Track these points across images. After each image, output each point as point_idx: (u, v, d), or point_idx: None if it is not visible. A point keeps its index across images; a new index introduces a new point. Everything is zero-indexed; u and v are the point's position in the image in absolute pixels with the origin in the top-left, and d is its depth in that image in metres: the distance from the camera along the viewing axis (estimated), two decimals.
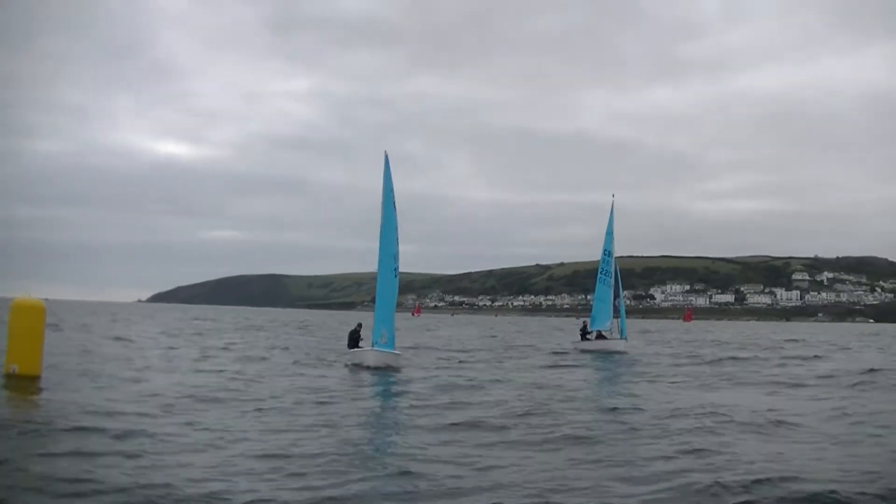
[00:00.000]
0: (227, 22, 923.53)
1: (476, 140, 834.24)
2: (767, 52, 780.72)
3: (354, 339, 41.13)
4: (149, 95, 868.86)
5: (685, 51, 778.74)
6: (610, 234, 58.78)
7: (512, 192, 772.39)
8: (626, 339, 56.40)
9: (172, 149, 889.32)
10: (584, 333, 58.96)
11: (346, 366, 37.83)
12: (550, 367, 40.53)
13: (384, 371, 34.99)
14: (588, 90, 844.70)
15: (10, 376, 23.08)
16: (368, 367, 36.20)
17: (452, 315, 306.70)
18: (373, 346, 37.74)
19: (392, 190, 38.64)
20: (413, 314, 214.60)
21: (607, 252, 58.84)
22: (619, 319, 57.50)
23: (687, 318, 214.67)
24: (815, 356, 50.08)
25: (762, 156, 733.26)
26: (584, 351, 54.96)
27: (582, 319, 62.48)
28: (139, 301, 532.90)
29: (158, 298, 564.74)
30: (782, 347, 62.13)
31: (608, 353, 52.06)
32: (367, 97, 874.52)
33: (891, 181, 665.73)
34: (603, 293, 58.63)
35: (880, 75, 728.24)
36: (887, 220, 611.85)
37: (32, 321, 23.67)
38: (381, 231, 38.67)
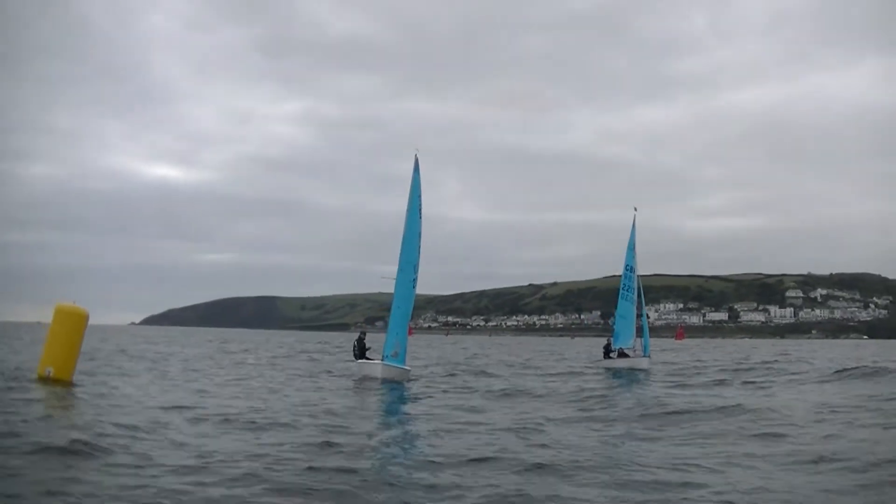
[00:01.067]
0: (219, 45, 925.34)
1: (467, 160, 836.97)
2: (756, 68, 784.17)
3: (362, 350, 40.05)
4: (141, 119, 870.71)
5: (674, 68, 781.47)
6: (632, 248, 57.62)
7: (503, 211, 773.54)
8: (649, 356, 55.13)
9: (165, 172, 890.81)
10: (608, 351, 57.59)
11: (354, 380, 36.73)
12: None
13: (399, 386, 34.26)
14: (577, 109, 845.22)
15: (44, 378, 23.00)
16: (377, 379, 35.54)
17: (447, 335, 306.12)
18: (383, 359, 36.99)
19: (419, 196, 37.53)
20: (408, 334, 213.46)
21: (629, 268, 57.50)
22: (641, 337, 56.49)
23: (679, 337, 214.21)
24: None
25: (753, 172, 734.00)
26: (607, 369, 53.54)
27: (608, 338, 59.93)
28: (132, 324, 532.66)
29: (151, 321, 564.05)
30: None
31: (631, 371, 50.52)
32: (358, 119, 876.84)
33: (882, 196, 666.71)
34: (625, 310, 57.27)
35: (869, 90, 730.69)
36: (879, 236, 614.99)
37: (73, 327, 23.76)
38: (403, 238, 37.58)
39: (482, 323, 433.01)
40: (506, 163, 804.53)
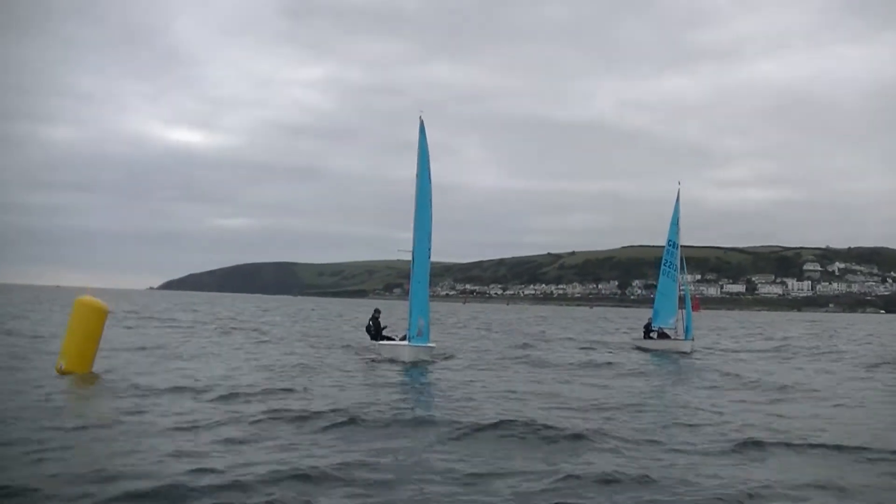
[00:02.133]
0: (241, 9, 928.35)
1: (488, 128, 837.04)
2: (779, 40, 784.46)
3: (377, 329, 37.85)
4: (163, 82, 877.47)
5: (697, 39, 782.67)
6: (675, 223, 54.48)
7: (523, 180, 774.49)
8: (692, 338, 51.01)
9: (185, 136, 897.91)
10: (648, 331, 53.91)
11: (371, 361, 33.25)
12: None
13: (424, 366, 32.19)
14: (600, 78, 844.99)
15: (60, 373, 23.29)
16: (403, 363, 32.46)
17: (464, 303, 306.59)
18: (409, 339, 34.36)
19: (428, 159, 35.54)
20: None
21: (672, 243, 54.31)
22: (684, 315, 52.62)
23: (695, 308, 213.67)
24: None
25: (774, 145, 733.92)
26: (640, 349, 50.98)
27: (649, 317, 55.57)
28: (150, 288, 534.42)
29: (170, 286, 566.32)
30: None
31: (669, 354, 47.35)
32: (380, 85, 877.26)
33: None
34: (667, 287, 54.37)
35: (892, 64, 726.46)
36: None
37: (91, 323, 23.47)
38: (416, 206, 35.43)
39: (500, 291, 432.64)
40: (527, 131, 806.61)
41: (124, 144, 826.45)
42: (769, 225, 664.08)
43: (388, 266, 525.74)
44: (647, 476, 12.49)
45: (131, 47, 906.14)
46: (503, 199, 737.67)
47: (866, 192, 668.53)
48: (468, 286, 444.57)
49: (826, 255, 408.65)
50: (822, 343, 59.30)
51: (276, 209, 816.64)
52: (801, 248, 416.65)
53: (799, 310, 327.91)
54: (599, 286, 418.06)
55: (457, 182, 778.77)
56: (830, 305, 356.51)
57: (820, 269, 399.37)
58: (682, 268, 53.95)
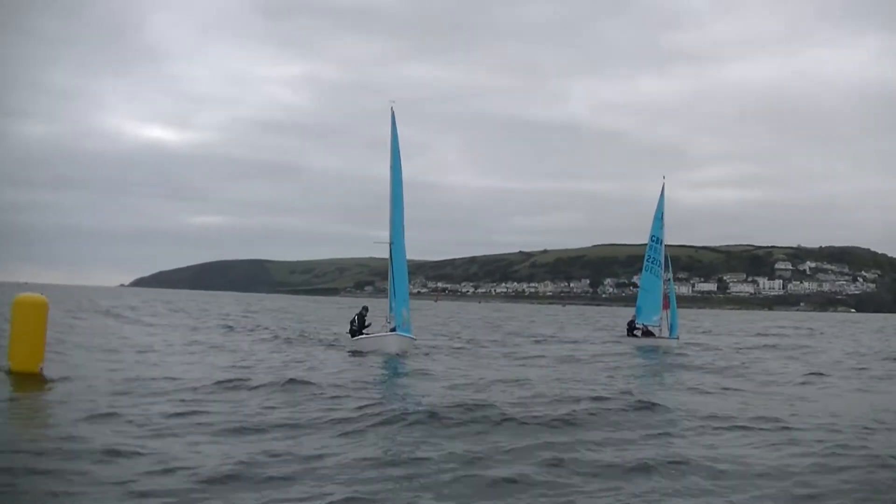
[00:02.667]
0: (219, 7, 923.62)
1: (464, 127, 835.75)
2: (755, 43, 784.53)
3: (361, 325, 37.24)
4: (138, 79, 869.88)
5: (673, 40, 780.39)
6: (659, 219, 53.66)
7: (498, 179, 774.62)
8: (677, 337, 50.41)
9: (160, 133, 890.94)
10: (632, 328, 53.32)
11: (355, 353, 34.03)
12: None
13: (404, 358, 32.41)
14: (576, 79, 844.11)
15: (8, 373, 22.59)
16: (388, 354, 32.71)
17: (436, 301, 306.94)
18: (397, 330, 34.33)
19: (398, 148, 36.15)
20: None
21: (655, 239, 53.43)
22: (668, 314, 51.93)
23: (664, 307, 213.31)
24: None
25: (748, 146, 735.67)
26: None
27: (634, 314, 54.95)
28: (122, 286, 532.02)
29: (141, 283, 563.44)
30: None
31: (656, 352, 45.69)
32: (357, 83, 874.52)
33: (874, 172, 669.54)
34: (649, 283, 53.37)
35: (868, 67, 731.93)
36: (870, 211, 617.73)
37: (34, 317, 22.84)
38: (391, 199, 35.80)
39: (472, 289, 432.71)
40: (503, 131, 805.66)
41: (99, 141, 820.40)
42: (742, 225, 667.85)
43: (359, 264, 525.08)
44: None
45: (107, 44, 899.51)
46: (477, 199, 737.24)
47: (838, 192, 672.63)
48: (440, 284, 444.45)
49: (797, 255, 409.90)
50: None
51: (250, 206, 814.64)
52: (773, 247, 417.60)
53: (770, 308, 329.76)
54: (571, 284, 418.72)
55: (431, 181, 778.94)
56: (801, 304, 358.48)
57: (791, 268, 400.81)
58: (666, 265, 53.20)
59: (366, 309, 38.26)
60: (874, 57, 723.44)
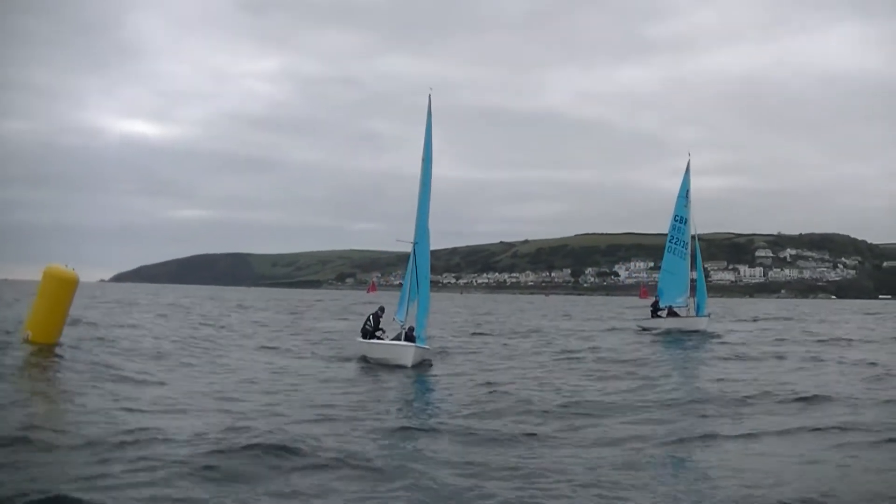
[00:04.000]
0: (199, 1, 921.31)
1: (444, 118, 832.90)
2: (733, 32, 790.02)
3: (376, 327, 33.21)
4: (117, 75, 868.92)
5: (652, 30, 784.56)
6: (683, 196, 51.84)
7: (479, 170, 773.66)
8: (707, 315, 48.66)
9: (140, 128, 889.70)
10: (655, 310, 51.24)
11: (366, 361, 30.73)
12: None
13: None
14: (556, 69, 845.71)
15: (25, 342, 23.02)
16: (404, 366, 28.89)
17: None
18: (416, 340, 29.99)
19: (431, 139, 32.23)
20: (368, 291, 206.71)
21: (679, 218, 51.80)
22: (695, 295, 50.38)
23: (643, 295, 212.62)
24: None
25: (727, 134, 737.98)
26: (645, 330, 48.43)
27: (656, 296, 53.24)
28: (101, 281, 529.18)
29: (121, 278, 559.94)
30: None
31: (686, 333, 44.67)
32: (336, 76, 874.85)
33: (853, 159, 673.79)
34: (673, 264, 51.78)
35: (845, 55, 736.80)
36: (850, 198, 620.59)
37: (58, 293, 23.37)
38: (420, 191, 32.11)
39: (453, 280, 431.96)
40: (483, 122, 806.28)
41: (78, 137, 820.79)
42: (722, 213, 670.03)
43: (341, 256, 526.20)
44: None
45: (86, 40, 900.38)
46: (458, 189, 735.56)
47: (818, 179, 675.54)
48: None
49: (778, 242, 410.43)
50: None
51: (232, 201, 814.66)
52: (754, 234, 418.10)
53: (751, 296, 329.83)
54: (552, 274, 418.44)
55: (413, 173, 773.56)
56: (782, 291, 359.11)
57: (772, 255, 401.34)
58: (694, 246, 51.15)
59: (382, 310, 34.35)
60: (851, 44, 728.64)
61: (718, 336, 43.92)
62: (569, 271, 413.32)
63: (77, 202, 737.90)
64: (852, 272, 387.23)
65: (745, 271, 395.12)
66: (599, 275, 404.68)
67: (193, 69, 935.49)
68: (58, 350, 23.29)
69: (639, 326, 50.85)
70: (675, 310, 50.47)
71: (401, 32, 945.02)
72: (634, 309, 79.58)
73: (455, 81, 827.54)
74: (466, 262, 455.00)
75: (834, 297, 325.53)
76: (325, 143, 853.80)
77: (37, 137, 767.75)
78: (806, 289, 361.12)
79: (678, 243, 51.55)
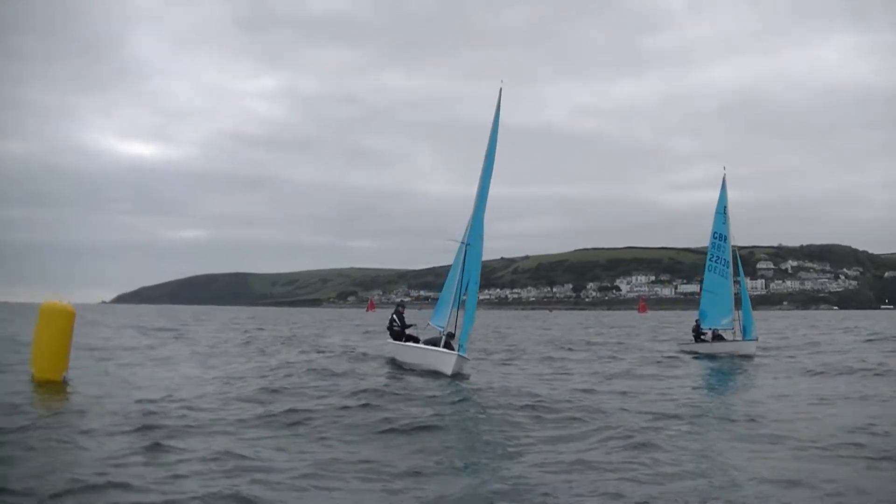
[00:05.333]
0: (197, 20, 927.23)
1: (442, 134, 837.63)
2: (730, 44, 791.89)
3: (404, 326, 32.10)
4: (116, 95, 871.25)
5: (649, 43, 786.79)
6: (722, 212, 48.60)
7: (475, 185, 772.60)
8: (755, 338, 44.73)
9: (139, 148, 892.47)
10: (699, 334, 47.81)
11: (393, 362, 30.10)
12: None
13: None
14: (554, 83, 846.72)
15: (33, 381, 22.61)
16: (443, 374, 27.30)
17: (420, 309, 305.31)
18: (458, 349, 28.21)
19: (497, 134, 30.33)
20: (367, 310, 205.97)
21: (719, 235, 48.61)
22: (741, 315, 46.68)
23: (642, 310, 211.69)
24: None
25: (726, 146, 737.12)
26: (694, 354, 44.73)
27: (696, 318, 49.70)
28: (103, 302, 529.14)
29: (122, 299, 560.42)
30: None
31: (731, 360, 40.97)
32: (334, 94, 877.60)
33: (851, 170, 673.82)
34: (715, 284, 48.37)
35: (840, 67, 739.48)
36: (849, 208, 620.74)
37: (59, 325, 22.71)
38: (479, 190, 30.17)
39: None
40: (481, 137, 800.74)
41: (77, 158, 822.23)
42: None
43: (341, 274, 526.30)
44: None
45: (86, 61, 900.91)
46: (456, 205, 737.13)
47: (817, 190, 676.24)
48: (422, 293, 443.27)
49: (779, 254, 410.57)
50: None
51: (231, 220, 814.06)
52: (754, 246, 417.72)
53: (753, 308, 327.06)
54: (554, 289, 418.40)
55: (410, 189, 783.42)
56: (784, 303, 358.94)
57: (773, 267, 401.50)
58: (736, 263, 48.40)
59: (402, 306, 33.55)
60: (847, 56, 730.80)
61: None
62: (570, 286, 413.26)
63: (76, 222, 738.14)
64: (854, 283, 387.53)
65: (746, 283, 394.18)
66: (601, 289, 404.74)
67: (192, 88, 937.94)
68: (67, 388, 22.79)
69: (684, 350, 47.03)
70: (721, 332, 47.23)
71: (397, 48, 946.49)
72: (652, 323, 77.38)
73: (452, 97, 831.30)
74: None
75: (836, 307, 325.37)
76: (323, 161, 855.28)
77: (35, 158, 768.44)
78: (808, 300, 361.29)
79: (719, 262, 48.61)
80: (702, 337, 47.36)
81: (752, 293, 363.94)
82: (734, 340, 45.47)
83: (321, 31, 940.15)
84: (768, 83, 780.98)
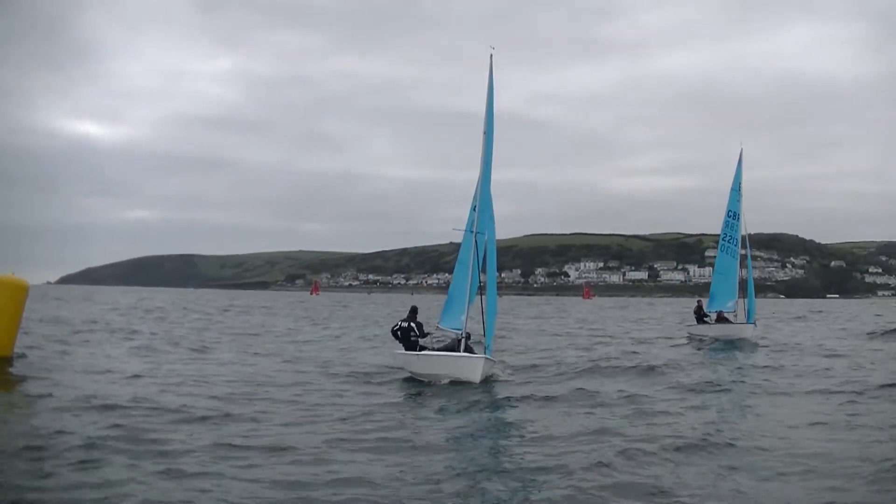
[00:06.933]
0: (153, 1, 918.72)
1: (397, 119, 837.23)
2: (685, 33, 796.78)
3: (421, 334, 26.59)
4: (69, 75, 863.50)
5: (605, 31, 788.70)
6: (736, 190, 47.27)
7: (430, 170, 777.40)
8: (754, 323, 44.28)
9: (91, 129, 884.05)
10: (701, 316, 47.31)
11: (414, 375, 25.80)
12: None
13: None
14: (509, 70, 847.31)
15: None
16: (470, 382, 23.98)
17: (369, 293, 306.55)
18: (486, 350, 25.02)
19: (493, 106, 27.04)
20: (311, 293, 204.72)
21: (732, 214, 47.44)
22: (745, 299, 46.11)
23: (586, 296, 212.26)
24: None
25: (678, 134, 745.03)
26: (696, 337, 44.94)
27: (697, 299, 50.35)
28: (48, 283, 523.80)
29: (67, 280, 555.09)
30: None
31: (731, 342, 41.54)
32: (289, 77, 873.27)
33: (801, 159, 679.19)
34: (726, 265, 47.50)
35: (796, 57, 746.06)
36: (798, 198, 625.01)
37: (11, 298, 22.18)
38: (482, 169, 26.99)
39: (403, 281, 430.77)
40: (436, 122, 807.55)
41: (29, 137, 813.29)
42: (672, 213, 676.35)
43: (290, 257, 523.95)
44: None
45: (38, 40, 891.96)
46: (409, 190, 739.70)
47: (766, 179, 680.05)
48: (371, 276, 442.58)
49: None
50: None
51: (182, 201, 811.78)
52: (703, 234, 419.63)
53: (701, 295, 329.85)
54: (503, 275, 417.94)
55: (364, 172, 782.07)
56: None
57: None
58: (744, 243, 47.00)
59: (415, 311, 27.70)
60: (803, 46, 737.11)
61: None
62: (519, 271, 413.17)
63: (25, 203, 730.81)
64: (801, 271, 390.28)
65: (694, 271, 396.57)
66: (549, 275, 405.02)
67: (145, 69, 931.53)
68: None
69: (689, 334, 47.16)
70: (726, 315, 46.56)
71: (352, 33, 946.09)
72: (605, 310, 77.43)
73: (406, 82, 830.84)
74: (416, 263, 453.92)
75: (783, 296, 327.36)
76: (277, 144, 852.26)
77: None
78: (755, 288, 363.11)
79: (731, 241, 47.35)
80: (705, 319, 46.94)
81: (700, 281, 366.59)
82: (737, 323, 45.21)
83: (278, 14, 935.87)
84: (725, 72, 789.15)
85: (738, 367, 29.79)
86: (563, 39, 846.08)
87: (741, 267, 47.39)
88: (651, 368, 28.34)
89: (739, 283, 47.47)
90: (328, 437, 15.74)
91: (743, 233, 47.73)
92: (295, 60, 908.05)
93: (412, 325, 26.85)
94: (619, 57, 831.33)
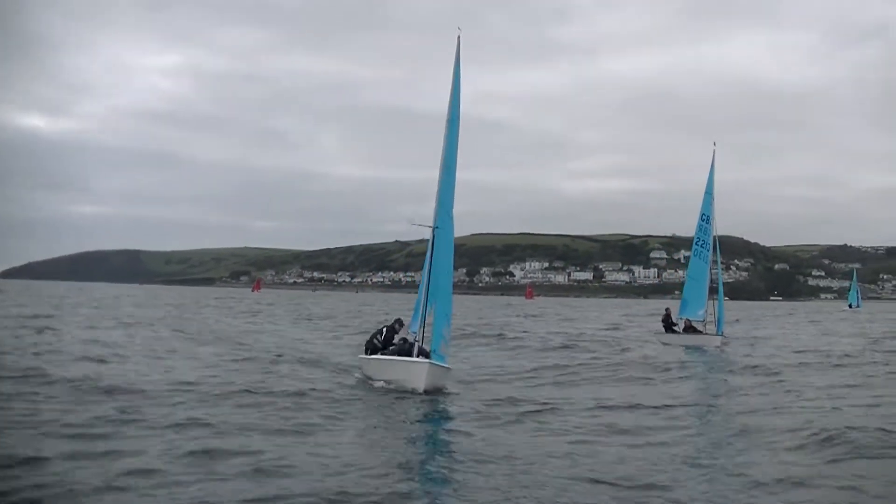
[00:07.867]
0: None
1: (348, 118, 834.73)
2: (638, 37, 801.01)
3: (386, 344, 25.84)
4: (15, 67, 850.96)
5: (557, 33, 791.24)
6: (709, 192, 45.98)
7: (379, 169, 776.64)
8: (723, 333, 43.28)
9: (37, 121, 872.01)
10: (669, 324, 46.05)
11: (366, 380, 24.99)
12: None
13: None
14: (462, 70, 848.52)
15: None
16: (414, 391, 22.57)
17: (314, 290, 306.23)
18: (431, 355, 23.49)
19: (459, 93, 25.59)
20: (253, 290, 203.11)
21: (705, 217, 45.85)
22: (716, 306, 44.74)
23: (528, 296, 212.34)
24: None
25: (628, 137, 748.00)
26: (665, 345, 43.00)
27: (666, 308, 48.84)
28: None
29: (8, 275, 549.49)
30: None
31: (699, 351, 39.90)
32: (240, 73, 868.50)
33: (747, 163, 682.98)
34: (698, 270, 46.21)
35: (746, 62, 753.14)
36: (743, 201, 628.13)
37: None
38: (443, 160, 25.37)
39: (348, 279, 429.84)
40: (386, 121, 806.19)
41: None
42: (618, 214, 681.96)
43: (235, 254, 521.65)
44: None
45: None
46: (357, 188, 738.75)
47: (715, 183, 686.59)
48: (315, 274, 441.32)
49: (672, 244, 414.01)
50: None
51: (127, 197, 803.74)
52: (648, 236, 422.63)
53: (646, 297, 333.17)
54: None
55: (314, 171, 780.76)
56: (676, 292, 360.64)
57: (666, 256, 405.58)
58: (714, 248, 45.78)
59: (400, 324, 27.10)
60: (752, 52, 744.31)
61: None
62: (464, 270, 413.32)
63: None
64: (745, 274, 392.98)
65: (639, 272, 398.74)
66: (495, 274, 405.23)
67: (94, 62, 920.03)
68: None
69: (658, 342, 45.09)
70: (694, 324, 45.36)
71: (306, 30, 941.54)
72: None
73: (359, 80, 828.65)
74: (361, 261, 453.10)
75: (727, 298, 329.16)
76: (228, 140, 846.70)
77: None
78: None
79: (703, 245, 46.01)
80: (673, 328, 45.92)
81: (644, 282, 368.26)
82: (706, 333, 44.01)
83: (230, 9, 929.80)
84: (675, 77, 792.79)
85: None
86: (515, 41, 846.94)
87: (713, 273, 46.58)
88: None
89: (710, 288, 46.24)
90: None
91: (714, 234, 46.73)
92: (247, 56, 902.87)
93: (383, 329, 26.62)
94: (572, 59, 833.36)
